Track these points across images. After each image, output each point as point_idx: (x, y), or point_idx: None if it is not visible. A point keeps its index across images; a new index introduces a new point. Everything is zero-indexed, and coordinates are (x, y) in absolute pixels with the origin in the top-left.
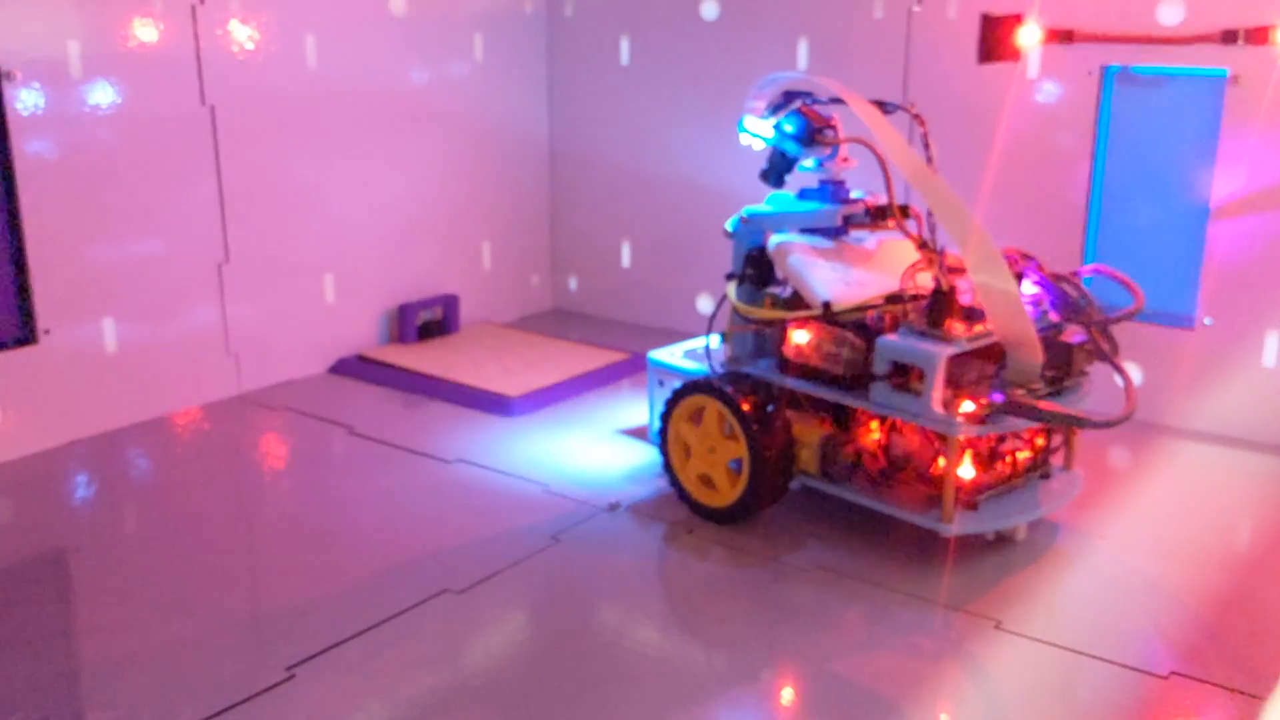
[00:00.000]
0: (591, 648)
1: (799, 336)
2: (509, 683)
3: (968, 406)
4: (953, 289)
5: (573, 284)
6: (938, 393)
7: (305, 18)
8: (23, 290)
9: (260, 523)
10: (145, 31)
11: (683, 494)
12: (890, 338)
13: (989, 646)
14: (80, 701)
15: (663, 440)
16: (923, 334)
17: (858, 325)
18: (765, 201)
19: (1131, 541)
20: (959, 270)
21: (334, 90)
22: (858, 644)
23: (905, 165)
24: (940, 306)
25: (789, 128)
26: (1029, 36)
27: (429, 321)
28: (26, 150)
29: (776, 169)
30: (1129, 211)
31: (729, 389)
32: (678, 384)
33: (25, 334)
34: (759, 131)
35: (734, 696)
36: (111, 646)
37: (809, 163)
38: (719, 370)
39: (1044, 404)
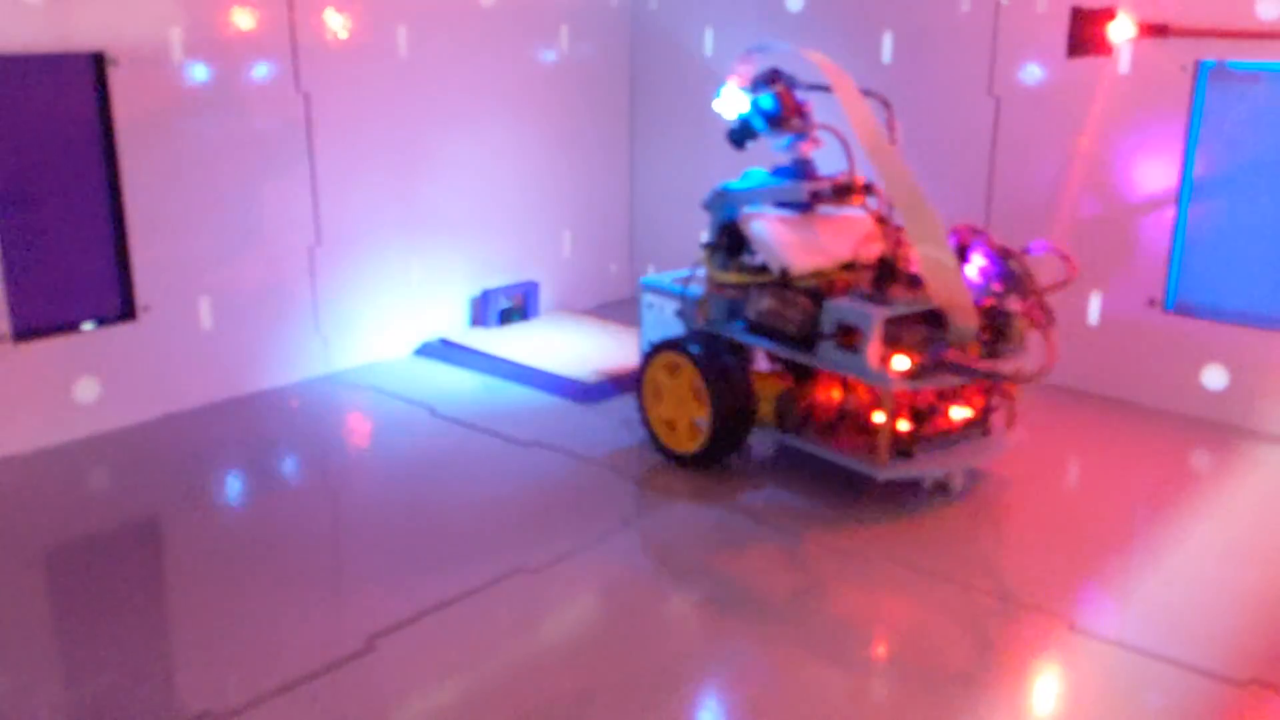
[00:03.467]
0: (661, 629)
1: (760, 299)
2: (581, 660)
3: (901, 363)
4: (895, 257)
5: (650, 271)
6: (874, 350)
7: (397, 8)
8: (124, 268)
9: (344, 498)
10: (243, 19)
11: (653, 437)
12: (836, 300)
13: (1061, 647)
14: (170, 664)
15: (639, 386)
16: (866, 298)
17: (812, 290)
18: (741, 177)
19: (1213, 545)
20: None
21: (423, 79)
22: (926, 635)
23: (869, 143)
24: (885, 273)
25: (764, 105)
26: (1121, 30)
27: (510, 307)
28: (128, 133)
29: (743, 136)
30: (1222, 209)
31: (696, 348)
32: (665, 302)
33: (125, 310)
34: (734, 103)
35: (803, 686)
36: (200, 612)
37: (781, 142)
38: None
39: (968, 361)
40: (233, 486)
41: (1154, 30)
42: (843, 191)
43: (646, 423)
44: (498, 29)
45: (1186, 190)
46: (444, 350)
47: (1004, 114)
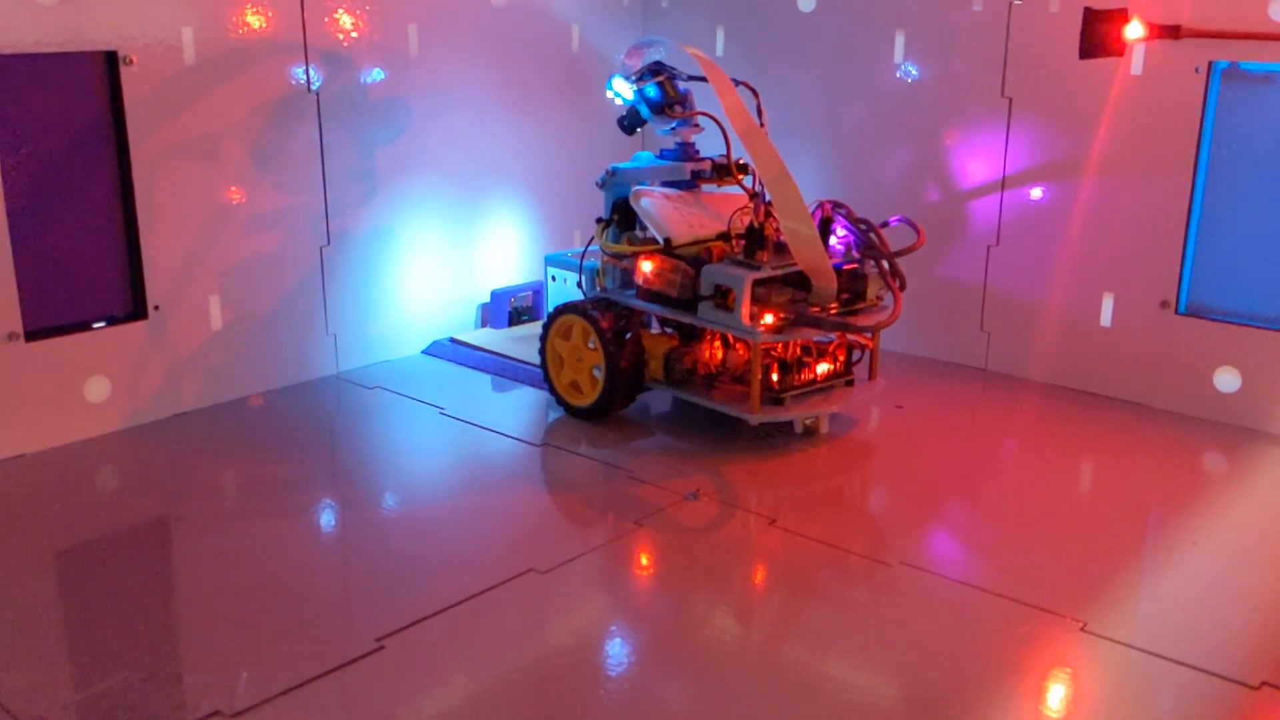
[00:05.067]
0: (671, 632)
1: (647, 266)
2: (591, 661)
3: (768, 319)
4: (763, 227)
5: None
6: (745, 308)
7: (408, 7)
8: (135, 267)
9: (353, 498)
10: (255, 19)
11: (558, 397)
12: (713, 265)
13: (1073, 648)
14: (180, 663)
15: (543, 357)
16: (738, 263)
17: (692, 257)
18: (631, 159)
19: (1225, 548)
20: None
21: (433, 79)
22: (948, 649)
23: (741, 126)
24: (753, 241)
25: (649, 94)
26: (1133, 31)
27: (519, 307)
28: (140, 133)
29: (631, 122)
30: (1235, 211)
31: (592, 310)
32: (568, 275)
33: (136, 309)
34: (621, 92)
35: (815, 690)
36: (209, 612)
37: (667, 127)
38: (589, 296)
39: (822, 315)
40: (241, 487)
41: (1166, 31)
42: (721, 171)
43: (554, 390)
44: (509, 28)
45: (1199, 192)
46: (453, 350)
47: (1015, 114)
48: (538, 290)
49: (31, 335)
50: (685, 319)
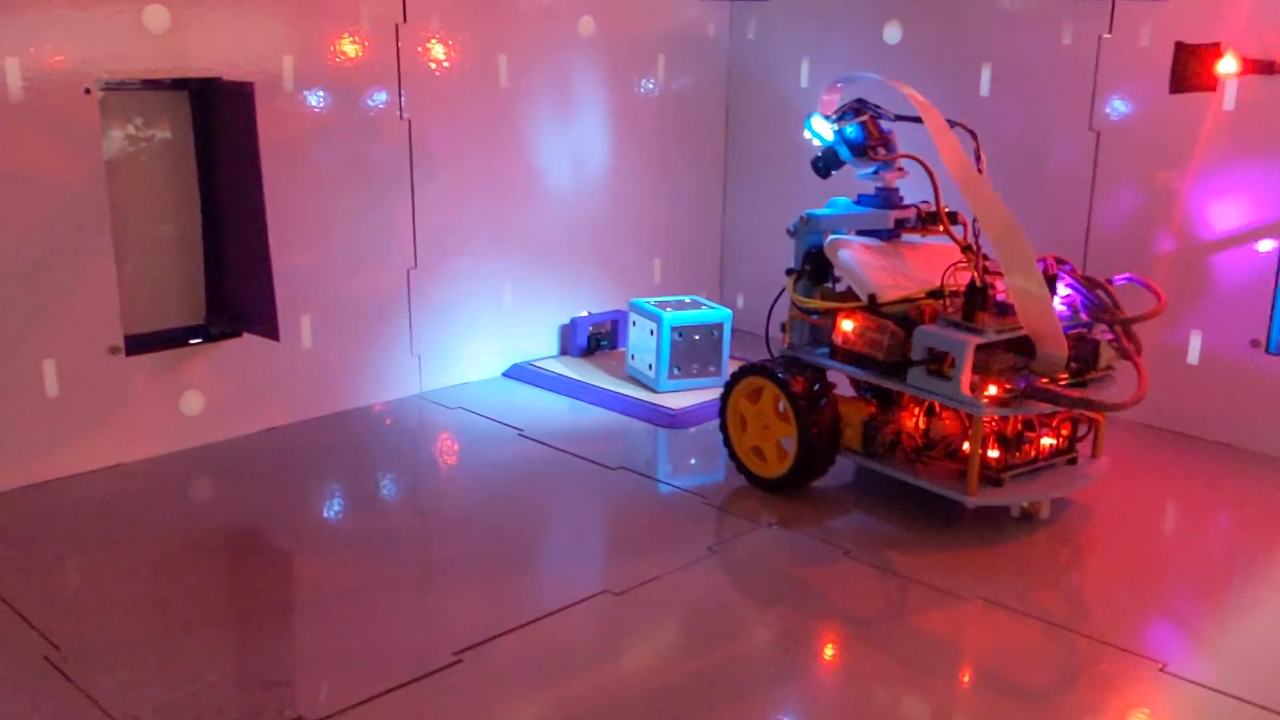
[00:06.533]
0: (739, 657)
1: (847, 325)
2: (662, 684)
3: (991, 390)
4: (985, 285)
5: (740, 302)
6: (966, 377)
7: (499, 38)
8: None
9: (433, 515)
10: (351, 48)
11: (739, 464)
12: (928, 327)
13: (1152, 689)
14: (266, 669)
15: (722, 416)
16: (956, 325)
17: (900, 316)
18: (825, 206)
19: None
20: (999, 272)
21: (522, 108)
22: (1012, 672)
23: (961, 174)
24: (974, 301)
25: (850, 134)
26: (1227, 66)
27: (598, 334)
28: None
29: (828, 164)
30: None
31: (781, 373)
32: (653, 325)
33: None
34: (820, 132)
35: (883, 716)
36: (294, 620)
37: (866, 171)
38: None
39: (1058, 389)
40: (327, 501)
41: (1261, 67)
42: (929, 220)
43: (732, 453)
44: (596, 58)
45: None
46: (533, 374)
47: (1104, 149)
48: (616, 319)
49: (132, 350)
50: (893, 385)
